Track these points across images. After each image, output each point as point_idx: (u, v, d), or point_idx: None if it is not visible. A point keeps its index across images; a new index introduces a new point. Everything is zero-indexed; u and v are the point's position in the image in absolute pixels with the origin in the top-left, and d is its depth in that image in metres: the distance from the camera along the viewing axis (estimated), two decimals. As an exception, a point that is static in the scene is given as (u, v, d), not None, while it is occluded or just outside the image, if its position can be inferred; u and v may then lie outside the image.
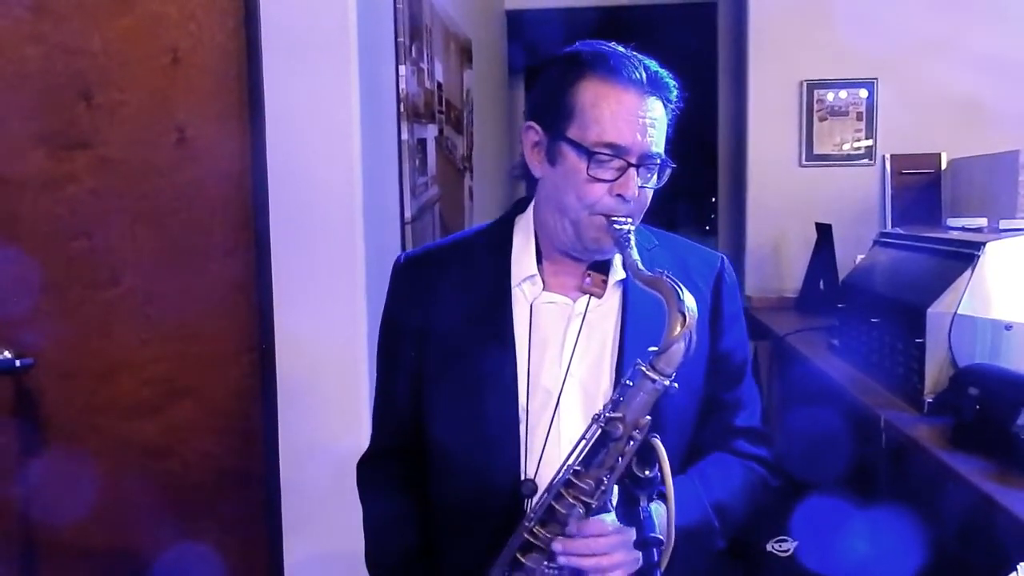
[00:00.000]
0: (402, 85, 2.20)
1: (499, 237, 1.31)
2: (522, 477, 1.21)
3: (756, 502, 1.31)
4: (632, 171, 1.17)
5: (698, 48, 4.24)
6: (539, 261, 1.27)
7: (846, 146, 3.48)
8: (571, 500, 1.09)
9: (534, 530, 1.12)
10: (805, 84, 3.46)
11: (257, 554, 1.97)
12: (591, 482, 1.08)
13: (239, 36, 1.87)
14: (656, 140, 1.18)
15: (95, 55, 1.86)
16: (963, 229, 2.07)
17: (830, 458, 2.03)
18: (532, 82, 1.33)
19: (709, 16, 4.17)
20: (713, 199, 4.56)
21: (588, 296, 1.26)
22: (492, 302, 1.26)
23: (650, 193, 1.22)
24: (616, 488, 1.10)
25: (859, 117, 3.46)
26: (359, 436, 1.85)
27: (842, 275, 2.76)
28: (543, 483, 1.16)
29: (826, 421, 2.09)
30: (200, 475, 1.94)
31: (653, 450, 1.03)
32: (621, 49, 1.21)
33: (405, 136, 2.22)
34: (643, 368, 1.08)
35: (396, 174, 2.21)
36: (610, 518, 1.12)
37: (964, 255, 1.79)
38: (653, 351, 1.08)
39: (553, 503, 1.11)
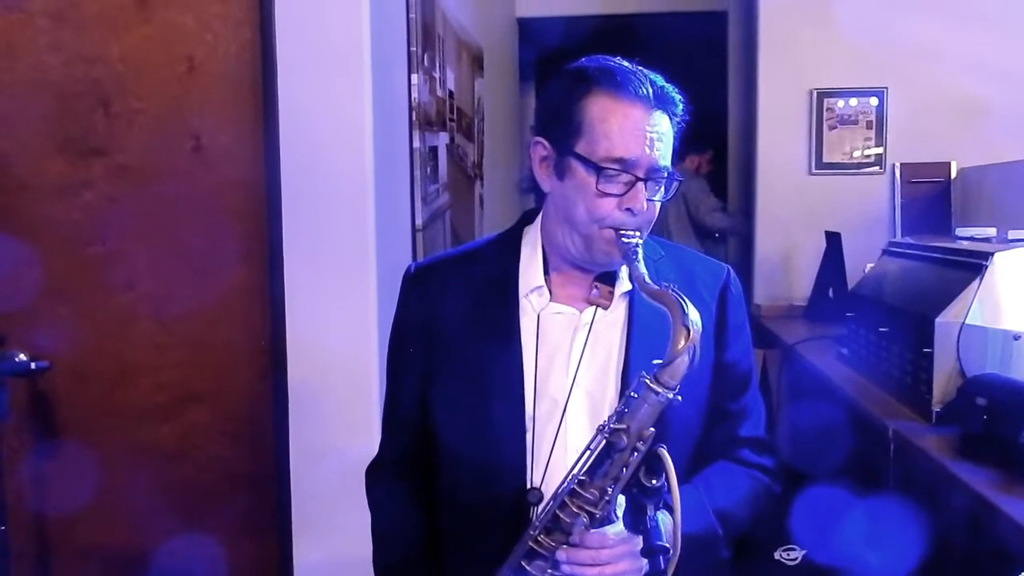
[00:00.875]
0: (414, 94, 2.22)
1: (507, 248, 1.33)
2: (528, 485, 1.22)
3: (760, 511, 1.32)
4: (640, 185, 1.18)
5: (708, 56, 4.25)
6: (546, 272, 1.29)
7: (856, 154, 3.48)
8: (575, 509, 1.10)
9: (539, 538, 1.13)
10: (815, 92, 3.47)
11: (268, 557, 1.99)
12: (595, 492, 1.10)
13: (254, 46, 1.89)
14: (663, 154, 1.20)
15: (113, 64, 1.89)
16: (972, 239, 2.07)
17: (837, 466, 2.03)
18: (541, 93, 1.35)
19: (719, 25, 4.18)
20: (723, 207, 4.57)
21: (595, 307, 1.27)
22: (500, 312, 1.27)
23: (658, 206, 1.23)
24: (623, 497, 1.11)
25: (869, 126, 3.46)
26: (369, 440, 1.86)
27: (851, 284, 2.76)
28: (549, 491, 1.17)
29: (834, 429, 2.09)
30: (212, 478, 1.96)
31: (660, 460, 1.04)
32: (627, 64, 1.22)
33: (417, 144, 2.24)
34: (647, 380, 1.09)
35: (407, 182, 2.23)
36: (615, 529, 1.13)
37: (973, 265, 1.80)
38: (658, 364, 1.09)
39: (558, 512, 1.12)
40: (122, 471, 1.93)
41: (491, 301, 1.28)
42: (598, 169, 1.17)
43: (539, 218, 1.33)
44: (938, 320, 1.76)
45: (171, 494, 1.95)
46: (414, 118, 2.23)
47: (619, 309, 1.28)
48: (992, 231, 2.10)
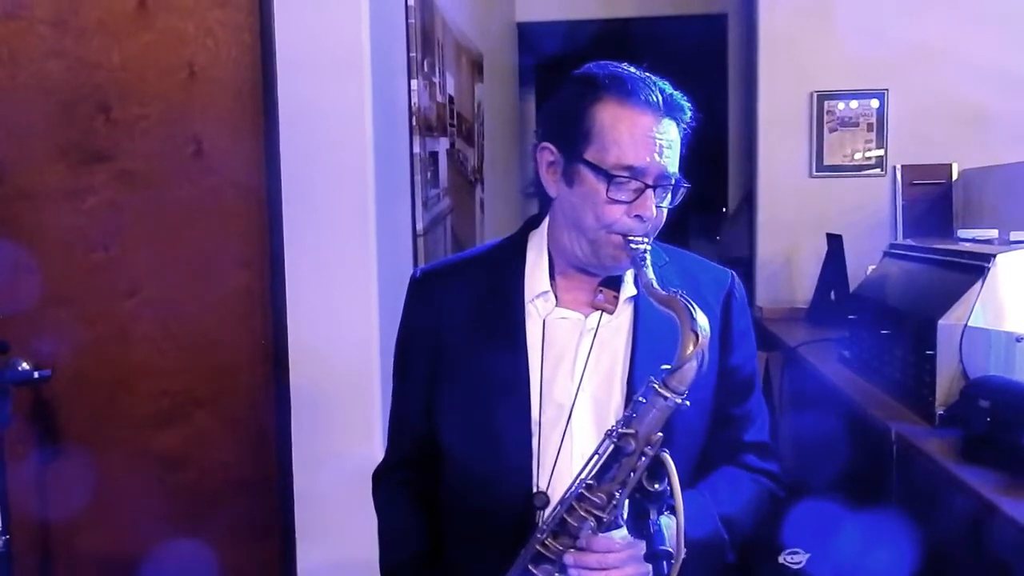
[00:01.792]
0: (414, 99, 2.23)
1: (513, 253, 1.33)
2: (534, 489, 1.22)
3: (764, 515, 1.32)
4: (649, 192, 1.19)
5: (708, 60, 4.25)
6: (552, 277, 1.29)
7: (857, 157, 3.48)
8: (583, 513, 1.11)
9: (546, 542, 1.13)
10: (815, 95, 3.47)
11: (271, 562, 1.99)
12: (603, 496, 1.10)
13: (255, 51, 1.90)
14: (671, 161, 1.20)
15: (114, 70, 1.89)
16: (974, 241, 2.07)
17: (840, 469, 2.03)
18: (543, 95, 1.35)
19: (719, 28, 4.18)
20: (724, 210, 4.57)
21: (600, 312, 1.27)
22: (506, 317, 1.28)
23: (665, 212, 1.24)
24: (627, 501, 1.11)
25: (870, 128, 3.46)
26: (372, 446, 1.87)
27: (853, 286, 2.76)
28: (555, 495, 1.17)
29: (836, 432, 2.09)
30: (215, 484, 1.96)
31: (662, 464, 1.04)
32: (635, 71, 1.23)
33: (417, 149, 2.25)
34: (656, 385, 1.09)
35: (408, 187, 2.23)
36: (621, 533, 1.13)
37: (975, 267, 1.79)
38: (666, 369, 1.10)
39: (566, 516, 1.12)
40: (125, 477, 1.94)
41: (497, 306, 1.29)
42: (609, 176, 1.18)
43: (544, 223, 1.33)
44: (940, 322, 1.75)
45: (174, 500, 1.95)
46: (414, 123, 2.23)
47: (624, 314, 1.29)
48: (994, 233, 2.10)
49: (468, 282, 1.33)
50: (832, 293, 3.12)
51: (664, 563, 1.02)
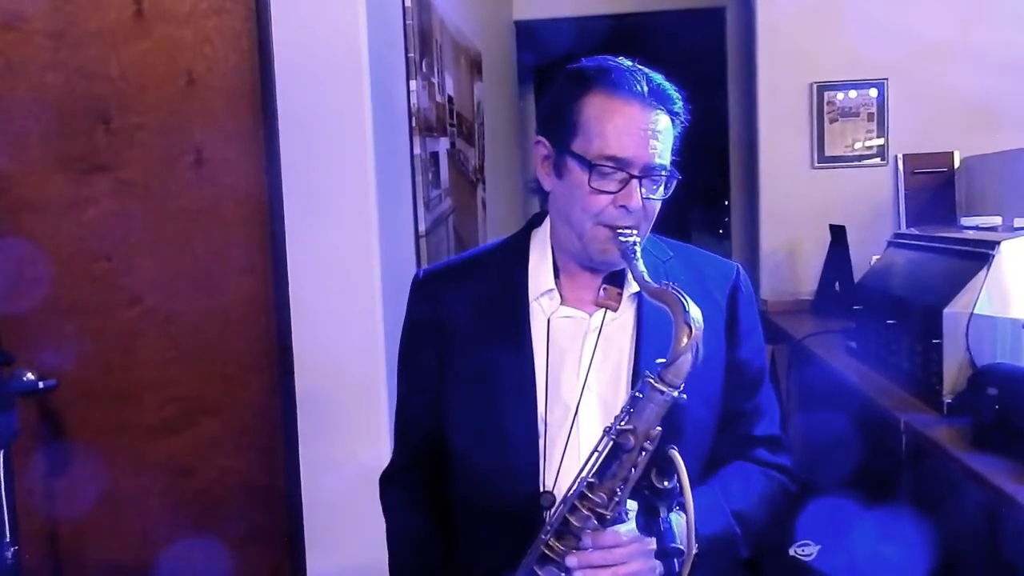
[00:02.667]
0: (413, 100, 2.22)
1: (516, 252, 1.33)
2: (541, 489, 1.22)
3: (777, 510, 1.31)
4: (635, 183, 1.18)
5: (707, 53, 4.24)
6: (556, 275, 1.29)
7: (858, 147, 3.47)
8: (585, 512, 1.10)
9: (550, 543, 1.13)
10: (815, 86, 3.46)
11: (281, 568, 1.99)
12: (605, 494, 1.10)
13: (253, 57, 1.90)
14: (661, 152, 1.20)
15: (113, 80, 1.89)
16: (977, 228, 2.07)
17: (849, 461, 2.02)
18: (543, 93, 1.35)
19: (718, 21, 4.17)
20: (726, 203, 4.57)
21: (604, 310, 1.27)
22: (510, 317, 1.27)
23: (657, 205, 1.23)
24: (637, 500, 1.11)
25: (870, 118, 3.45)
26: (378, 449, 1.86)
27: (857, 277, 2.76)
28: (562, 495, 1.17)
29: (845, 424, 2.08)
30: (223, 491, 1.96)
31: (671, 461, 1.04)
32: (625, 63, 1.22)
33: (417, 150, 2.24)
34: (652, 380, 1.09)
35: (409, 188, 2.23)
36: (626, 528, 1.13)
37: (979, 254, 1.79)
38: (661, 362, 1.09)
39: (568, 515, 1.12)
40: (132, 486, 1.94)
41: (501, 306, 1.28)
42: (591, 166, 1.18)
43: (547, 221, 1.33)
44: (946, 311, 1.75)
45: (182, 508, 1.95)
46: (414, 124, 2.23)
47: (628, 311, 1.28)
48: (997, 220, 2.09)
49: (471, 282, 1.32)
50: (837, 284, 3.11)
51: (675, 561, 1.02)
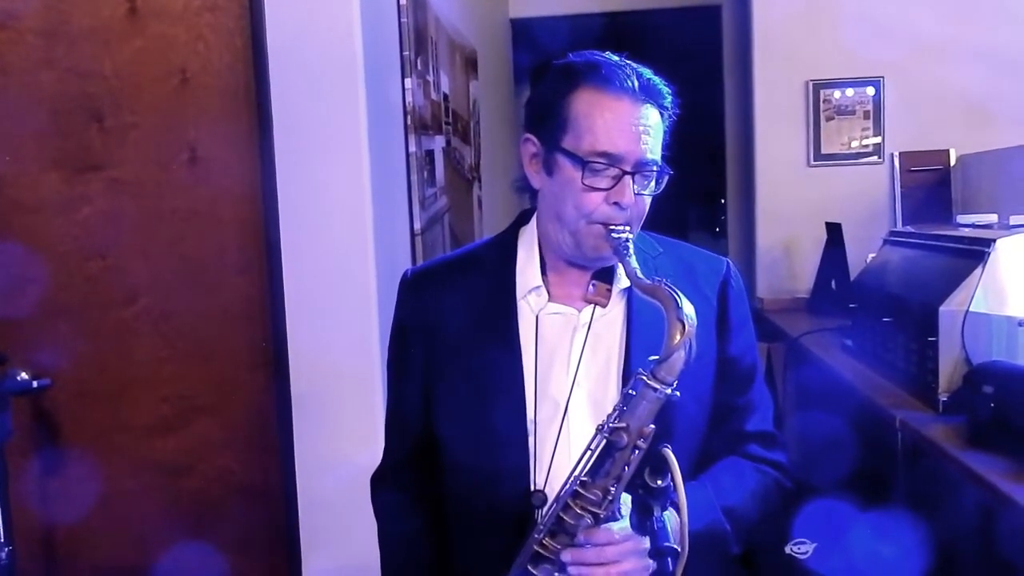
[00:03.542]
0: (408, 98, 2.22)
1: (504, 249, 1.32)
2: (532, 488, 1.21)
3: (770, 506, 1.30)
4: (627, 179, 1.17)
5: (703, 51, 4.24)
6: (544, 272, 1.28)
7: (854, 145, 3.48)
8: (579, 511, 1.10)
9: (544, 541, 1.12)
10: (811, 84, 3.46)
11: (277, 568, 1.98)
12: (598, 492, 1.09)
13: (246, 55, 1.89)
14: (651, 147, 1.19)
15: (106, 78, 1.88)
16: (973, 226, 2.07)
17: (845, 459, 2.02)
18: (530, 89, 1.34)
19: (713, 19, 4.18)
20: (722, 201, 4.57)
21: (593, 306, 1.26)
22: (498, 314, 1.27)
23: (648, 200, 1.22)
24: (630, 498, 1.10)
25: (866, 115, 3.45)
26: (374, 449, 1.85)
27: (854, 274, 2.76)
28: (553, 493, 1.16)
29: (841, 422, 2.08)
30: (218, 490, 1.96)
31: (664, 460, 1.03)
32: (614, 58, 1.21)
33: (413, 148, 2.24)
34: (644, 377, 1.09)
35: (405, 186, 2.22)
36: (619, 526, 1.12)
37: (974, 252, 1.79)
38: (654, 360, 1.09)
39: (561, 514, 1.11)
40: (128, 486, 1.93)
41: (489, 304, 1.28)
42: (583, 163, 1.17)
43: (534, 218, 1.32)
44: (942, 308, 1.75)
45: (177, 508, 1.95)
46: (409, 122, 2.22)
47: (618, 307, 1.27)
48: (993, 217, 2.09)
49: (459, 280, 1.32)
50: (833, 282, 3.12)
51: (669, 560, 1.01)
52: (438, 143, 2.59)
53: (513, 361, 1.24)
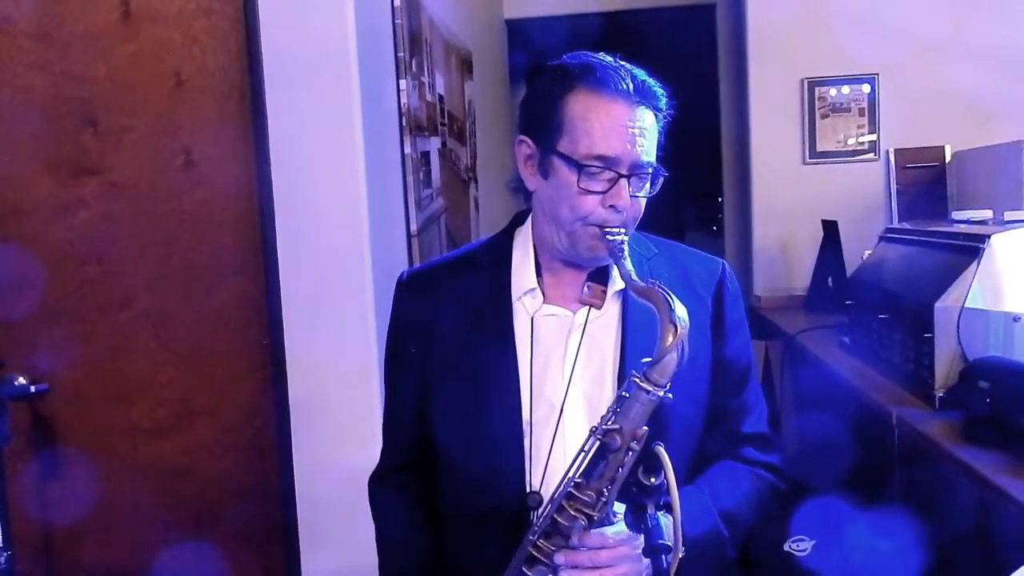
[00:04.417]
0: (403, 99, 2.22)
1: (499, 251, 1.32)
2: (528, 489, 1.21)
3: (765, 509, 1.31)
4: (623, 182, 1.17)
5: (698, 50, 4.25)
6: (539, 274, 1.28)
7: (850, 142, 3.48)
8: (573, 513, 1.10)
9: (538, 543, 1.12)
10: (806, 82, 3.46)
11: (276, 570, 1.98)
12: (592, 494, 1.09)
13: (241, 58, 1.89)
14: (647, 149, 1.19)
15: (100, 82, 1.88)
16: (968, 222, 2.07)
17: (842, 456, 2.03)
18: (525, 91, 1.34)
19: (708, 18, 4.18)
20: (719, 200, 4.57)
21: (588, 307, 1.27)
22: (493, 316, 1.27)
23: (643, 202, 1.23)
24: (625, 497, 1.11)
25: (861, 113, 3.46)
26: (372, 450, 1.85)
27: (850, 272, 2.76)
28: (549, 495, 1.16)
29: (838, 419, 2.09)
30: (217, 493, 1.96)
31: (657, 458, 1.03)
32: (608, 59, 1.21)
33: (408, 150, 2.24)
34: (637, 379, 1.09)
35: (400, 188, 2.22)
36: (614, 529, 1.12)
37: (970, 248, 1.79)
38: (647, 362, 1.09)
39: (555, 516, 1.11)
40: (126, 490, 1.93)
41: (485, 305, 1.28)
42: (580, 167, 1.17)
43: (530, 219, 1.32)
44: (937, 305, 1.75)
45: (176, 511, 1.95)
46: (404, 124, 2.22)
47: (613, 309, 1.28)
48: (988, 213, 2.10)
49: (455, 282, 1.32)
50: (829, 280, 3.12)
51: (663, 557, 1.01)
52: (434, 144, 2.59)
53: (509, 362, 1.25)
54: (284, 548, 1.97)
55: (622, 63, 1.21)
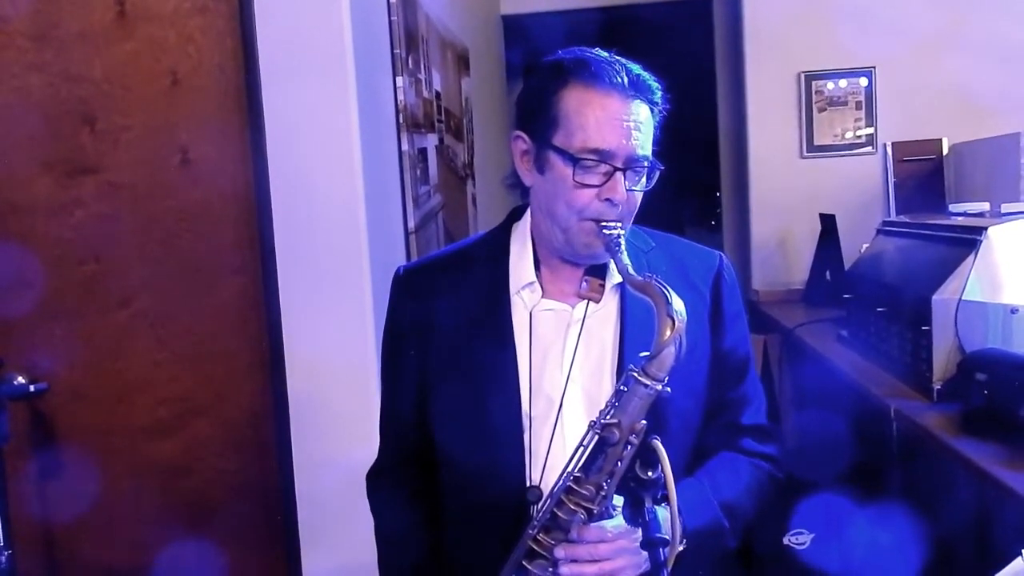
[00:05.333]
0: (400, 96, 2.22)
1: (496, 246, 1.32)
2: (527, 483, 1.22)
3: (764, 500, 1.31)
4: (619, 175, 1.17)
5: (695, 45, 4.24)
6: (537, 268, 1.28)
7: (847, 136, 3.48)
8: (572, 507, 1.10)
9: (538, 537, 1.13)
10: (803, 76, 3.47)
11: (277, 569, 1.99)
12: (591, 488, 1.10)
13: (237, 56, 1.89)
14: (642, 143, 1.19)
15: (97, 81, 1.88)
16: (965, 215, 2.08)
17: (840, 449, 2.03)
18: (520, 87, 1.35)
19: (705, 13, 4.17)
20: (717, 195, 4.58)
21: (587, 302, 1.27)
22: (492, 311, 1.27)
23: (639, 196, 1.23)
24: (623, 492, 1.11)
25: (858, 106, 3.46)
26: (371, 447, 1.85)
27: (848, 265, 2.77)
28: (548, 489, 1.17)
29: (836, 412, 2.09)
30: (218, 492, 1.96)
31: (654, 451, 1.04)
32: (603, 54, 1.21)
33: (405, 147, 2.24)
34: (635, 373, 1.09)
35: (398, 185, 2.22)
36: (613, 523, 1.13)
37: (967, 241, 1.80)
38: (645, 356, 1.09)
39: (555, 510, 1.12)
40: (126, 488, 1.93)
41: (483, 300, 1.28)
42: (575, 160, 1.17)
43: (527, 214, 1.33)
44: (935, 297, 1.76)
45: (176, 509, 1.95)
46: (401, 121, 2.22)
47: (611, 303, 1.28)
48: (985, 206, 2.10)
49: (452, 277, 1.32)
50: (827, 273, 3.13)
51: (660, 550, 1.02)
52: (431, 141, 2.59)
53: (507, 357, 1.25)
54: (284, 546, 1.97)
55: (617, 57, 1.21)
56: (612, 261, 1.23)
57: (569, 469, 1.12)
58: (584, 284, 1.27)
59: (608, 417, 1.09)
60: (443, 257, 1.40)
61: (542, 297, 1.28)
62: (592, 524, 1.11)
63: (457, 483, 1.29)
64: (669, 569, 1.03)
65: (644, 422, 1.08)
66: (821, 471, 1.98)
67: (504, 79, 4.60)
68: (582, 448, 1.11)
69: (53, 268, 1.90)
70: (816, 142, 3.48)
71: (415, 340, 1.31)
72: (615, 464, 1.08)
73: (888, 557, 1.66)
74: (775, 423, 1.40)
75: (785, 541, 1.79)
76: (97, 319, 1.92)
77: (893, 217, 3.14)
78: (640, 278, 1.12)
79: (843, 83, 3.45)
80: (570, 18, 4.26)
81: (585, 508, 1.10)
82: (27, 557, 1.89)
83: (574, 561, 1.11)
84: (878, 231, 2.47)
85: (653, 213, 1.29)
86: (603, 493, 1.09)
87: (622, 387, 1.10)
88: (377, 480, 1.41)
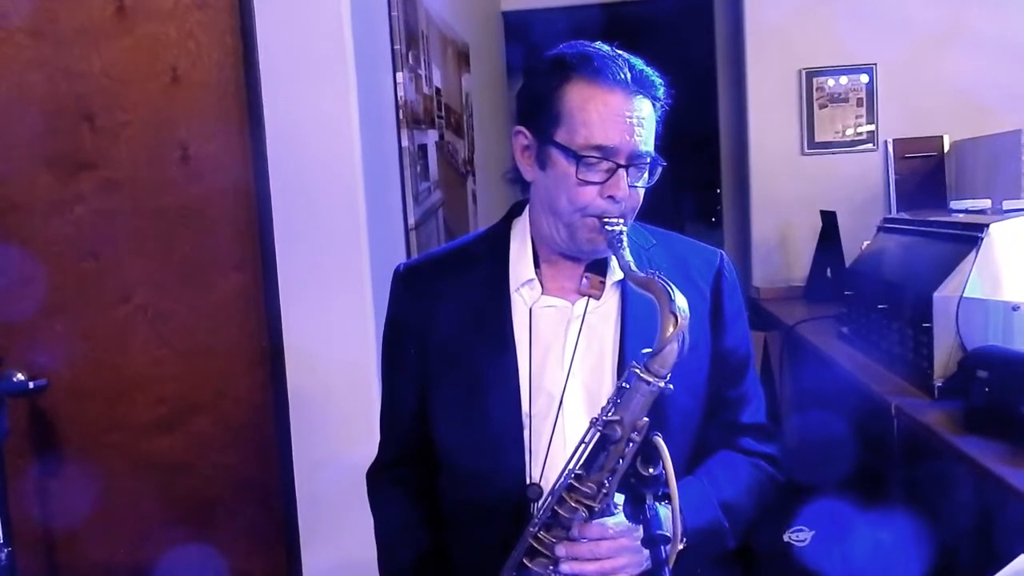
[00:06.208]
0: (400, 92, 2.21)
1: (496, 242, 1.32)
2: (528, 481, 1.21)
3: (764, 499, 1.31)
4: (621, 172, 1.17)
5: (696, 42, 4.24)
6: (537, 265, 1.28)
7: (848, 132, 3.48)
8: (573, 504, 1.10)
9: (539, 535, 1.13)
10: (804, 72, 3.46)
11: (278, 565, 1.98)
12: (593, 485, 1.09)
13: (237, 52, 1.88)
14: (645, 139, 1.18)
15: (96, 77, 1.87)
16: (967, 211, 2.07)
17: (841, 446, 2.03)
18: (522, 82, 1.34)
19: (706, 9, 4.17)
20: (717, 192, 4.57)
21: (587, 298, 1.26)
22: (491, 308, 1.26)
23: (642, 192, 1.22)
24: (623, 489, 1.11)
25: (859, 103, 3.46)
26: (371, 444, 1.85)
27: (848, 262, 2.76)
28: (549, 486, 1.16)
29: (837, 409, 2.09)
30: (217, 489, 1.96)
31: (655, 448, 1.03)
32: (606, 49, 1.20)
33: (405, 143, 2.23)
34: (638, 370, 1.08)
35: (398, 181, 2.22)
36: (614, 521, 1.13)
37: (968, 238, 1.79)
38: (647, 353, 1.09)
39: (556, 507, 1.11)
40: (126, 486, 1.93)
41: (483, 297, 1.28)
42: (578, 157, 1.16)
43: (527, 210, 1.32)
44: (936, 294, 1.75)
45: (176, 507, 1.95)
46: (401, 117, 2.22)
47: (612, 299, 1.27)
48: (987, 203, 2.10)
49: (452, 274, 1.32)
50: (828, 270, 3.12)
51: (662, 548, 1.01)
52: (431, 137, 2.59)
53: (507, 354, 1.24)
54: (284, 543, 1.97)
55: (619, 52, 1.20)
56: (612, 257, 1.23)
57: (570, 467, 1.11)
58: (584, 281, 1.26)
59: (610, 414, 1.09)
60: (443, 254, 1.39)
61: (542, 294, 1.27)
62: (593, 522, 1.11)
63: (457, 481, 1.29)
64: (670, 566, 1.03)
65: (646, 419, 1.08)
66: (822, 469, 1.98)
67: (504, 75, 4.59)
68: (583, 445, 1.11)
69: (53, 264, 1.89)
70: (817, 139, 3.48)
71: (415, 338, 1.30)
72: (616, 461, 1.08)
73: (889, 554, 1.66)
74: (775, 421, 1.39)
75: (785, 538, 1.79)
76: (97, 315, 1.91)
77: (894, 214, 3.14)
78: (643, 274, 1.12)
79: (844, 80, 3.45)
80: (570, 14, 4.25)
81: (586, 506, 1.10)
82: (27, 554, 1.89)
83: (575, 559, 1.11)
84: (879, 228, 2.47)
85: (653, 210, 1.28)
86: (604, 491, 1.09)
87: (624, 384, 1.10)
88: (377, 477, 1.40)
